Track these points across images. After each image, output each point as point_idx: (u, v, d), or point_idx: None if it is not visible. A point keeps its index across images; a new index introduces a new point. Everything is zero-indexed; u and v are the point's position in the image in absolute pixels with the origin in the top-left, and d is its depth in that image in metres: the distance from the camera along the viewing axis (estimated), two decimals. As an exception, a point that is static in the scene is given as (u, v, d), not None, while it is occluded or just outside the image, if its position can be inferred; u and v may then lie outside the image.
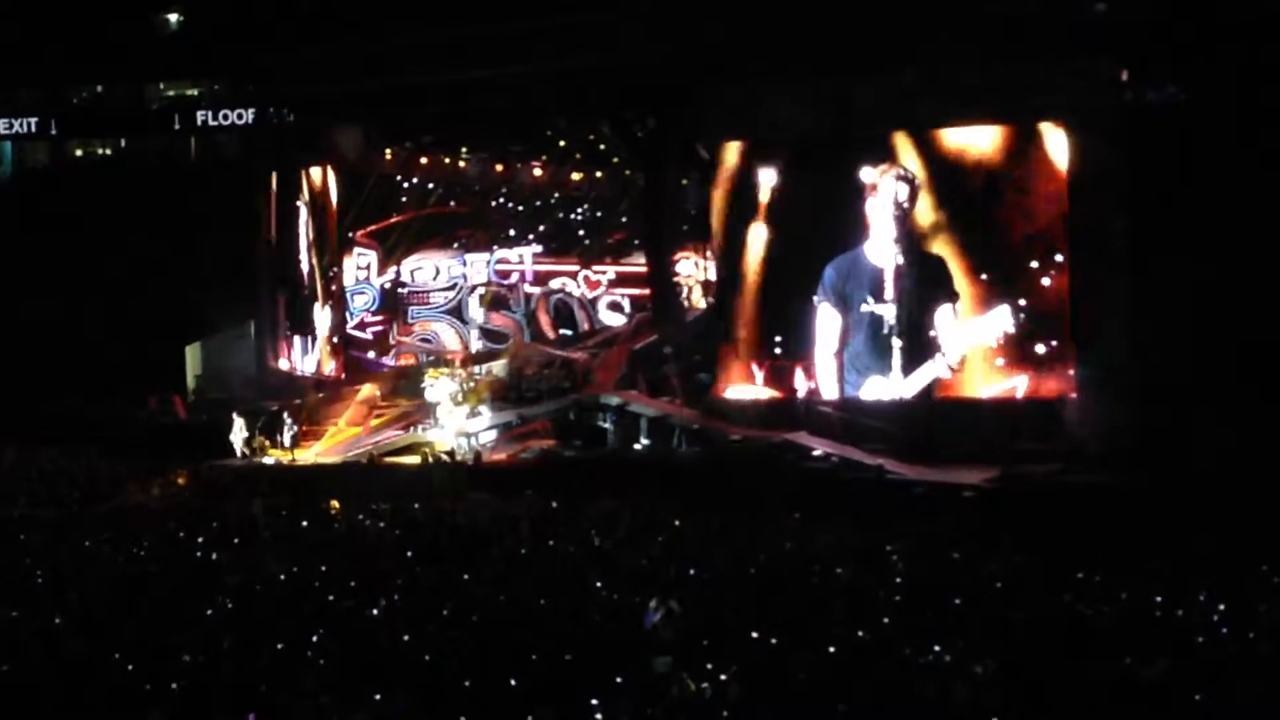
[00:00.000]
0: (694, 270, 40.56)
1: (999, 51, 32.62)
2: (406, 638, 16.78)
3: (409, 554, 22.95)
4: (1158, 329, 30.52)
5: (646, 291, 42.42)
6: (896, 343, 34.67)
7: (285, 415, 37.55)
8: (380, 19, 38.18)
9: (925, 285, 34.47)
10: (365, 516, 27.20)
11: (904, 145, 34.66)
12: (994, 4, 32.92)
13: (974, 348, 34.07)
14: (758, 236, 35.91)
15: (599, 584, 19.80)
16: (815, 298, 35.35)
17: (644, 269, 42.08)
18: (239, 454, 36.26)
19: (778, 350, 35.93)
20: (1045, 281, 33.59)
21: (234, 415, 36.91)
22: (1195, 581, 19.12)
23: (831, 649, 15.86)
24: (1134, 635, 16.49)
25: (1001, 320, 33.71)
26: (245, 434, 36.57)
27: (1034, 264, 33.60)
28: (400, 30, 37.84)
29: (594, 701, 14.07)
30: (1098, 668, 15.11)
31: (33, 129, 42.70)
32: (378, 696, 14.28)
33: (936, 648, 15.70)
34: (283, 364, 42.15)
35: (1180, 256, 30.17)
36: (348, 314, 44.28)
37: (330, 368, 43.27)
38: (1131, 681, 14.60)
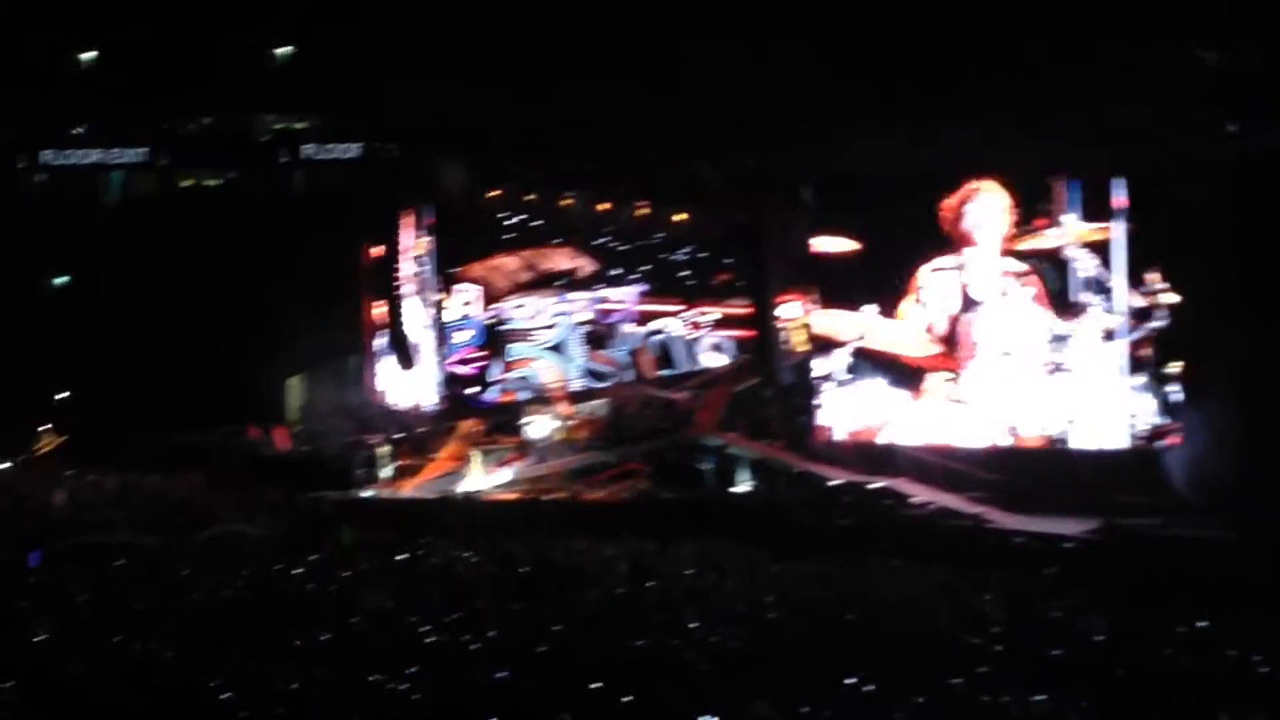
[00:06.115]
0: (798, 313, 40.31)
1: (1102, 100, 32.36)
2: (501, 675, 16.80)
3: (505, 591, 22.99)
4: (1265, 382, 30.08)
5: (749, 333, 42.37)
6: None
7: (386, 449, 37.84)
8: (481, 55, 38.44)
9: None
10: (462, 552, 27.23)
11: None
12: (1096, 53, 32.68)
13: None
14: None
15: (695, 626, 19.75)
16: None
17: (748, 311, 42.04)
18: (356, 487, 36.67)
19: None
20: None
21: (353, 448, 37.44)
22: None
23: (927, 696, 15.76)
24: (1232, 690, 16.31)
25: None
26: (367, 467, 37.09)
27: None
28: (498, 70, 38.10)
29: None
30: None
31: (142, 160, 43.18)
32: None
33: (1035, 698, 15.58)
34: (385, 398, 42.46)
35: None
36: (449, 350, 44.40)
37: (431, 403, 43.42)
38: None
